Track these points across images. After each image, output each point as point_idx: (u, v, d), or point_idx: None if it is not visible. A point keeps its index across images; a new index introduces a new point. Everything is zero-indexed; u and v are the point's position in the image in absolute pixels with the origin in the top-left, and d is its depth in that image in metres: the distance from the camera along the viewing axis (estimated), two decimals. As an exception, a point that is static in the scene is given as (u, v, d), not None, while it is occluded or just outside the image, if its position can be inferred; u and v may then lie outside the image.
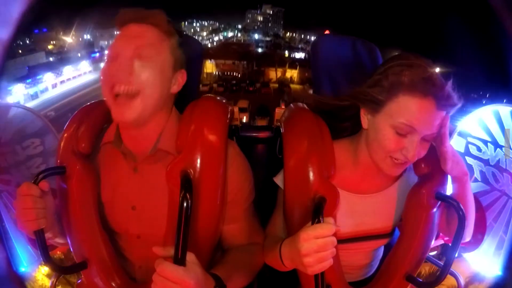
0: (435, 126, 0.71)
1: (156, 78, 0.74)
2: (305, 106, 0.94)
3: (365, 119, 0.79)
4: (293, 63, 33.35)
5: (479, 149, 1.66)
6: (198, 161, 0.76)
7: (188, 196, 0.65)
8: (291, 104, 0.98)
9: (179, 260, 0.63)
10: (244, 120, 18.64)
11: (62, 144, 0.83)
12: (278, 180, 0.90)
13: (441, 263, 0.83)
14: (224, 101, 0.86)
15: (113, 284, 0.84)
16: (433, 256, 1.12)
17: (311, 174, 0.80)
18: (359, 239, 0.88)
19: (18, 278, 0.79)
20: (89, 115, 0.86)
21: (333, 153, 0.82)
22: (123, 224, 0.84)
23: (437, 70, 0.72)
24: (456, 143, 1.72)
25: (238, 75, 31.96)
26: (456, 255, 0.77)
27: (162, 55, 0.76)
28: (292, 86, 30.05)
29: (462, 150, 1.70)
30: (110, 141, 0.81)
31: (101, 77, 0.74)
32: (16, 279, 0.78)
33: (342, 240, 0.85)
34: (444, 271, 0.78)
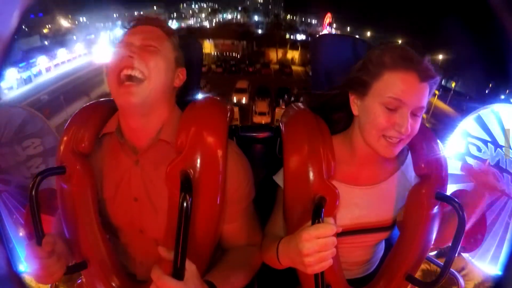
0: (422, 99, 0.74)
1: (161, 66, 0.78)
2: (305, 106, 0.94)
3: (355, 106, 0.81)
4: (295, 44, 32.16)
5: (479, 149, 1.66)
6: (198, 161, 0.76)
7: (188, 197, 0.65)
8: (291, 104, 0.98)
9: (178, 271, 0.63)
10: (244, 101, 18.04)
11: (62, 144, 0.83)
12: (278, 178, 0.91)
13: (441, 263, 0.83)
14: (224, 102, 0.87)
15: (113, 284, 0.84)
16: (433, 256, 1.12)
17: (311, 175, 0.80)
18: (359, 231, 0.88)
19: (18, 278, 0.79)
20: (89, 116, 0.86)
21: (333, 153, 0.82)
22: (126, 217, 0.84)
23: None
24: (456, 143, 1.73)
25: (237, 55, 30.87)
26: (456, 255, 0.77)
27: (166, 48, 0.81)
28: (294, 67, 29.06)
29: (462, 150, 1.71)
30: (111, 132, 0.83)
31: (109, 65, 0.77)
32: (16, 279, 0.78)
33: (342, 233, 0.85)
34: (444, 271, 0.78)
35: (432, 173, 0.83)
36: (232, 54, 31.23)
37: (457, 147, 1.71)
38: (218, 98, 0.88)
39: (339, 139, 0.87)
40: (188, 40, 0.95)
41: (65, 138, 0.83)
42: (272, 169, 0.93)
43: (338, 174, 0.83)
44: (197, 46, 1.01)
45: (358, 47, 1.03)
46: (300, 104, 0.97)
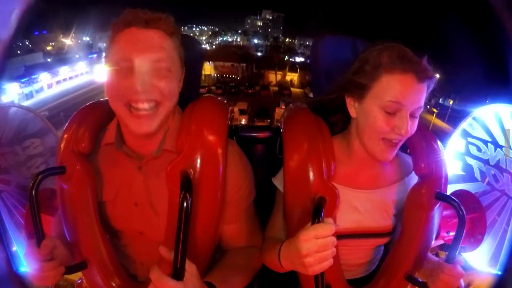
0: (420, 99, 0.75)
1: (174, 88, 0.75)
2: (305, 106, 0.94)
3: (352, 108, 0.81)
4: (293, 66, 32.93)
5: (479, 149, 1.66)
6: (198, 161, 0.76)
7: (188, 196, 0.65)
8: (291, 104, 0.98)
9: (178, 272, 0.63)
10: (243, 122, 18.49)
11: (62, 144, 0.83)
12: (276, 181, 0.90)
13: None
14: (224, 101, 0.87)
15: (113, 284, 0.84)
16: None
17: (311, 175, 0.80)
18: (359, 235, 0.88)
19: (18, 278, 0.79)
20: (89, 115, 0.86)
21: (333, 153, 0.82)
22: (126, 221, 0.84)
23: (438, 76, 0.77)
24: (456, 143, 1.72)
25: (237, 77, 31.55)
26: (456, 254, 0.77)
27: (175, 63, 0.75)
28: (293, 89, 29.81)
29: (462, 150, 1.70)
30: (111, 143, 0.82)
31: (112, 90, 0.72)
32: (16, 279, 0.78)
33: (342, 236, 0.85)
34: None
35: (432, 173, 0.83)
36: (232, 76, 31.76)
37: (457, 147, 1.71)
38: (218, 98, 0.88)
39: (337, 141, 0.87)
40: (188, 39, 0.94)
41: (65, 138, 0.83)
42: (272, 170, 0.93)
43: (336, 176, 0.83)
44: (197, 44, 1.01)
45: (358, 47, 1.03)
46: (300, 104, 0.97)
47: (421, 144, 0.85)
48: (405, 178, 0.90)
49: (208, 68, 31.49)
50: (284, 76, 32.56)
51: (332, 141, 0.84)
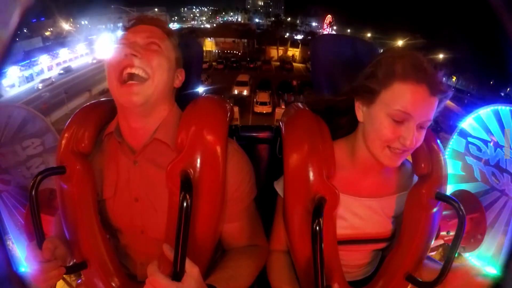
0: (430, 112, 0.73)
1: (164, 66, 0.78)
2: (305, 106, 0.94)
3: (360, 111, 0.80)
4: (295, 42, 32.57)
5: (479, 149, 1.66)
6: (198, 161, 0.76)
7: (187, 196, 0.65)
8: (291, 104, 0.98)
9: (177, 273, 0.63)
10: (245, 93, 18.61)
11: (62, 144, 0.83)
12: (278, 186, 0.90)
13: (441, 263, 0.83)
14: (224, 100, 0.87)
15: (113, 284, 0.84)
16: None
17: (311, 174, 0.80)
18: (357, 241, 0.88)
19: (18, 278, 0.79)
20: (89, 115, 0.86)
21: (333, 153, 0.82)
22: (127, 218, 0.84)
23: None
24: (456, 143, 1.72)
25: (238, 53, 31.22)
26: (456, 255, 0.77)
27: (167, 48, 0.81)
28: (294, 64, 29.53)
29: (462, 150, 1.70)
30: (111, 132, 0.83)
31: (110, 62, 0.76)
32: (16, 279, 0.78)
33: (341, 242, 0.85)
34: (444, 271, 0.78)
35: (432, 173, 0.83)
36: (233, 52, 31.37)
37: (457, 147, 1.71)
38: (218, 97, 0.88)
39: (341, 144, 0.86)
40: (188, 39, 0.95)
41: (65, 138, 0.83)
42: (273, 170, 0.93)
43: (337, 181, 0.82)
44: (197, 45, 1.01)
45: (359, 47, 1.03)
46: (300, 104, 0.97)
47: (421, 144, 0.85)
48: (409, 189, 0.87)
49: (209, 44, 31.18)
50: (285, 51, 32.14)
51: (334, 146, 0.84)
